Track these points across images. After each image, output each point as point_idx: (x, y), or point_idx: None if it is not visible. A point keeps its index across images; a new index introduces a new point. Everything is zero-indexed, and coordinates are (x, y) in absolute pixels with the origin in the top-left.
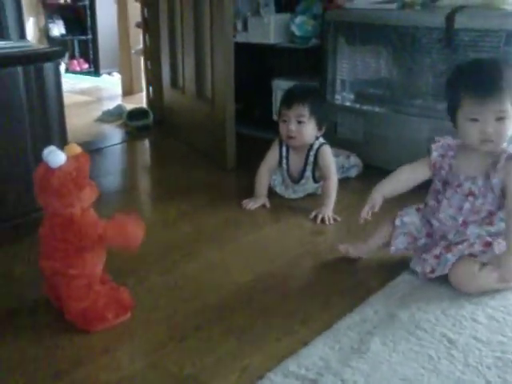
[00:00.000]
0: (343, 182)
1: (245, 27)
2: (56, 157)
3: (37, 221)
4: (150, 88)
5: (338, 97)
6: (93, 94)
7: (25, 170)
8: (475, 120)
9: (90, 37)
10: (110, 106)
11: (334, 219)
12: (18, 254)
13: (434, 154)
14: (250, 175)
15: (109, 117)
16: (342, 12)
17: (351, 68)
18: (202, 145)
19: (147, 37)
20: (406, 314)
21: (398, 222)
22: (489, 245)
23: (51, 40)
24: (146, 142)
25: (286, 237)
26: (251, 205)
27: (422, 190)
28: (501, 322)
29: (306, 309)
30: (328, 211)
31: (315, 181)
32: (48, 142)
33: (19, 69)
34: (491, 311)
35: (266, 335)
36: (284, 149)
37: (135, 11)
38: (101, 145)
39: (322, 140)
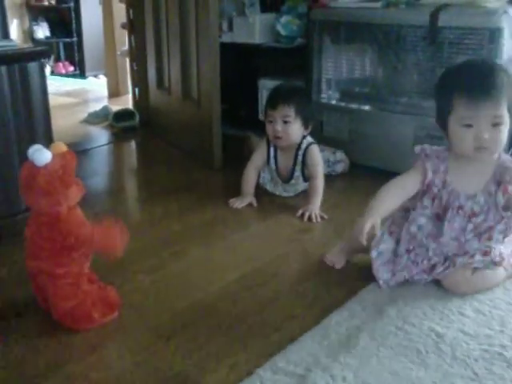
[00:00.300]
0: (329, 178)
1: (230, 27)
2: (41, 155)
3: (23, 221)
4: (136, 89)
5: (323, 95)
6: (78, 96)
7: (10, 170)
8: (469, 126)
9: (75, 39)
10: (96, 107)
11: (321, 217)
12: (4, 255)
13: (425, 171)
14: (236, 175)
15: (95, 118)
16: (327, 11)
17: (336, 67)
18: (189, 145)
19: (133, 38)
20: (393, 309)
21: (374, 254)
22: (488, 253)
23: (36, 42)
24: (133, 143)
25: (273, 235)
26: (238, 203)
27: None
28: (487, 316)
29: (294, 305)
30: (315, 209)
31: (305, 180)
32: (33, 142)
33: (3, 68)
34: (478, 305)
35: (255, 332)
36: (272, 149)
37: (120, 12)
38: (87, 146)
39: (309, 139)
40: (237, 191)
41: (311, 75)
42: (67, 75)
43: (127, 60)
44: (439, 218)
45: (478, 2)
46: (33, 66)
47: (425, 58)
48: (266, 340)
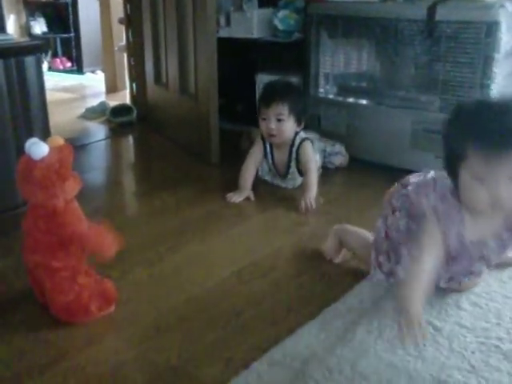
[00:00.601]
0: (327, 172)
1: (228, 22)
2: (38, 148)
3: (21, 215)
4: (134, 84)
5: (321, 90)
6: (76, 92)
7: (7, 164)
8: (483, 180)
9: (72, 34)
10: (94, 103)
11: (317, 204)
12: (2, 248)
13: (443, 233)
14: (233, 169)
15: (92, 113)
16: (325, 5)
17: (334, 61)
18: (186, 140)
19: (130, 33)
20: (390, 303)
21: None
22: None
23: (33, 38)
24: (130, 138)
25: (270, 228)
26: (235, 198)
27: None
28: (484, 309)
29: (291, 299)
30: (311, 197)
31: (301, 174)
32: (30, 136)
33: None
34: (475, 298)
35: (251, 325)
36: (267, 145)
37: (118, 7)
38: (84, 141)
39: (302, 135)
40: (234, 186)
41: (309, 70)
42: (65, 71)
43: (125, 55)
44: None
45: None
46: (30, 60)
47: (422, 52)
48: (263, 333)
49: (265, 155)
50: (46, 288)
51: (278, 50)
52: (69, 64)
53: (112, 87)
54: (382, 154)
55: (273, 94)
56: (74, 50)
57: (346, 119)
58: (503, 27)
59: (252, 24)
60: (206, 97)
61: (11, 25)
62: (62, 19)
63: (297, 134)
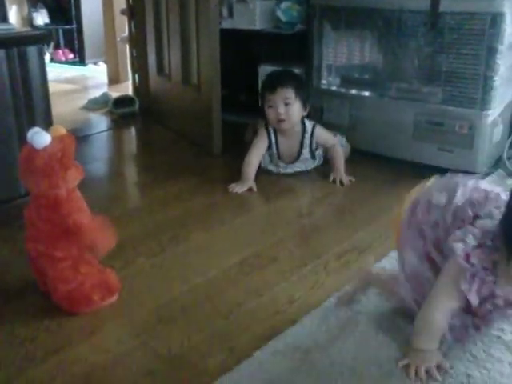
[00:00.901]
0: (329, 163)
1: (230, 13)
2: (40, 137)
3: (24, 205)
4: (136, 75)
5: (323, 82)
6: (78, 83)
7: (10, 154)
8: None
9: (74, 26)
10: (96, 94)
11: (350, 180)
12: (5, 238)
13: (469, 287)
14: (236, 160)
15: (94, 105)
16: None
17: (337, 53)
18: (189, 131)
19: (132, 24)
20: None
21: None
22: None
23: (35, 29)
24: (132, 130)
25: (273, 219)
26: (238, 188)
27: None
28: None
29: (294, 289)
30: (342, 174)
31: (313, 157)
32: (33, 126)
33: (1, 52)
34: None
35: (254, 315)
36: (272, 135)
37: None
38: (87, 132)
39: (311, 121)
40: (236, 176)
41: (311, 61)
42: (67, 62)
43: (127, 46)
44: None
45: None
46: (32, 50)
47: (425, 43)
48: (265, 323)
49: (269, 146)
50: (49, 277)
51: (280, 42)
52: (71, 55)
53: (114, 78)
54: (384, 145)
55: (278, 80)
56: (76, 42)
57: (349, 111)
58: (508, 18)
59: (255, 15)
60: (209, 88)
61: (13, 16)
62: (65, 10)
63: (303, 121)
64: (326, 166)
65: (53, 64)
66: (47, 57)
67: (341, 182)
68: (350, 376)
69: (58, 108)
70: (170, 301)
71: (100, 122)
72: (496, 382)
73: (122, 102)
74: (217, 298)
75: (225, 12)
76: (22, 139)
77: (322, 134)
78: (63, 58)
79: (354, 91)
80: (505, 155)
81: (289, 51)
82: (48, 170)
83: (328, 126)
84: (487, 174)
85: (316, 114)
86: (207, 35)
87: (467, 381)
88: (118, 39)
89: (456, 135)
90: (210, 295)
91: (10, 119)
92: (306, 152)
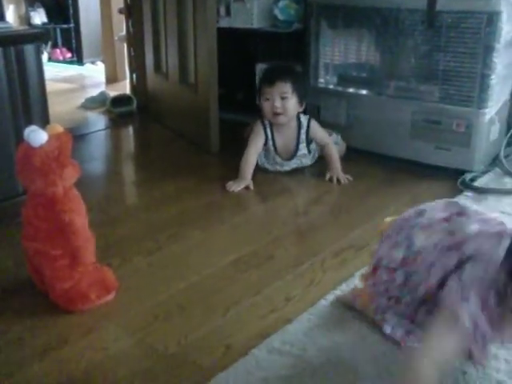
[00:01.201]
0: (324, 161)
1: (228, 12)
2: (37, 136)
3: (21, 203)
4: (134, 75)
5: (321, 80)
6: (76, 82)
7: (6, 153)
8: None
9: (72, 25)
10: (94, 93)
11: (347, 178)
12: (2, 236)
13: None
14: (233, 159)
15: (92, 103)
16: None
17: (334, 51)
18: (186, 129)
19: (130, 23)
20: None
21: (387, 329)
22: None
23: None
24: (130, 129)
25: (270, 218)
26: (235, 187)
27: None
28: None
29: (290, 287)
30: (339, 172)
31: (309, 152)
32: (30, 125)
33: None
34: None
35: (250, 313)
36: (268, 129)
37: None
38: (84, 131)
39: (306, 116)
40: (234, 175)
41: (309, 60)
42: (64, 62)
43: (125, 45)
44: None
45: None
46: (29, 49)
47: (422, 42)
48: (262, 321)
49: (265, 142)
50: (46, 275)
51: (278, 40)
52: (69, 55)
53: (112, 77)
54: (381, 144)
55: (276, 73)
56: (73, 41)
57: (346, 109)
58: (504, 17)
59: (252, 14)
60: (206, 87)
61: (10, 15)
62: (62, 10)
63: (299, 116)
64: (321, 165)
65: (50, 63)
66: (45, 56)
67: (337, 180)
68: (347, 373)
69: (56, 107)
70: (167, 299)
71: (98, 121)
72: (492, 379)
73: (119, 100)
74: (213, 296)
75: (222, 11)
76: (19, 137)
77: (318, 130)
78: (61, 57)
79: (351, 90)
80: (502, 153)
81: (286, 50)
82: (45, 168)
83: (325, 125)
84: (484, 173)
85: (313, 113)
86: (204, 34)
87: (463, 377)
88: (116, 38)
89: (453, 133)
90: (207, 293)
91: (6, 117)
92: (302, 147)
